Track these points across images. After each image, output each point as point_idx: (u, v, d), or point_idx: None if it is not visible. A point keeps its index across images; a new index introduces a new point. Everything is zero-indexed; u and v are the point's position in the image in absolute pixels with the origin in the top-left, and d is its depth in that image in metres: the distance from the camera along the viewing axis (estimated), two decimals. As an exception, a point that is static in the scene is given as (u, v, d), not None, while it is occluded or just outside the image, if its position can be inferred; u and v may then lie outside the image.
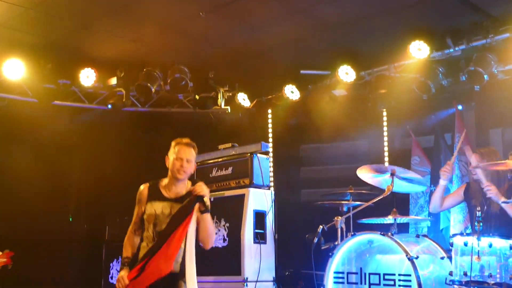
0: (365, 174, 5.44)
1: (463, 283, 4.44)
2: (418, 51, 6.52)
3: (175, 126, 7.99)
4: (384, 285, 4.93)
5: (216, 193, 6.33)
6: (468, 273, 4.40)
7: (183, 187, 4.07)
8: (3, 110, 7.09)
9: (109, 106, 7.30)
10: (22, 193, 5.59)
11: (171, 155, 4.05)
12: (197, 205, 3.83)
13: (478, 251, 4.42)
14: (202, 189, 3.84)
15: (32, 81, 6.99)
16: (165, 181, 4.08)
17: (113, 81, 7.13)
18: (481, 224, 4.68)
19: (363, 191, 5.65)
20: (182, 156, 3.99)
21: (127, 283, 3.61)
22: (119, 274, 3.77)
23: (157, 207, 3.95)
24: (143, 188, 4.09)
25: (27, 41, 6.56)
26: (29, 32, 6.41)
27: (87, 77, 7.04)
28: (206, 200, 3.86)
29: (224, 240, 6.12)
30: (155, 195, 4.03)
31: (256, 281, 5.95)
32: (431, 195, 6.96)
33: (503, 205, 4.78)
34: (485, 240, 4.44)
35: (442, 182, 5.44)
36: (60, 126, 7.47)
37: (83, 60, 7.02)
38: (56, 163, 6.82)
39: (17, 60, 6.68)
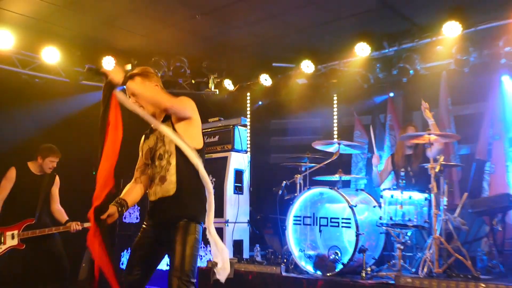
0: (319, 145, 5.47)
1: (389, 225, 4.58)
2: (362, 50, 6.52)
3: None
4: (331, 226, 4.98)
5: (206, 155, 6.26)
6: (394, 218, 4.54)
7: (161, 112, 3.00)
8: (42, 86, 7.02)
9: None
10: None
11: None
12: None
13: (401, 201, 4.55)
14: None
15: (65, 65, 6.91)
16: None
17: (128, 67, 7.03)
18: (403, 181, 4.81)
19: (316, 156, 5.69)
20: (128, 93, 2.88)
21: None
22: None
23: (150, 141, 3.01)
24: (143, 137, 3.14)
25: (61, 33, 6.44)
26: (63, 26, 6.28)
27: (108, 63, 6.91)
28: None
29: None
30: (148, 134, 3.07)
31: (235, 222, 5.98)
32: (367, 160, 7.11)
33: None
34: (407, 194, 4.58)
35: (374, 168, 5.60)
36: (85, 101, 7.34)
37: (105, 49, 6.91)
38: (82, 128, 6.72)
39: (53, 48, 6.61)
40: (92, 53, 6.97)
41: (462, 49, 6.03)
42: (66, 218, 5.01)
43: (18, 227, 4.86)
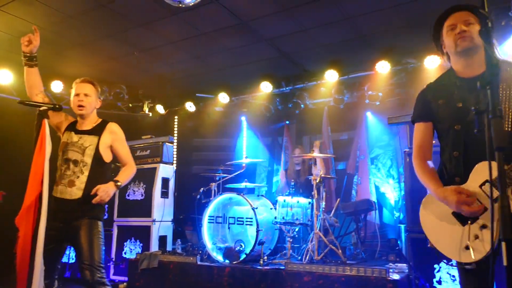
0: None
1: (282, 223, 4.64)
2: (265, 87, 6.69)
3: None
4: (237, 224, 4.99)
5: (139, 166, 6.00)
6: (285, 218, 4.61)
7: (92, 122, 2.91)
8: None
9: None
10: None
11: (71, 96, 2.89)
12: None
13: (291, 205, 4.64)
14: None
15: (18, 86, 6.32)
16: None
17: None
18: (293, 189, 4.94)
19: (228, 168, 5.70)
20: (79, 91, 2.85)
21: None
22: None
23: (69, 137, 2.82)
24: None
25: (15, 59, 5.91)
26: (17, 53, 5.73)
27: (57, 86, 6.51)
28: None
29: (142, 195, 5.93)
30: (71, 127, 2.89)
31: (161, 221, 5.80)
32: (268, 172, 7.24)
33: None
34: (295, 199, 4.67)
35: (282, 179, 5.69)
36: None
37: (55, 75, 6.49)
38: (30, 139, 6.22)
39: (7, 71, 6.13)
40: (42, 77, 6.46)
41: (339, 91, 6.40)
42: None
43: None
